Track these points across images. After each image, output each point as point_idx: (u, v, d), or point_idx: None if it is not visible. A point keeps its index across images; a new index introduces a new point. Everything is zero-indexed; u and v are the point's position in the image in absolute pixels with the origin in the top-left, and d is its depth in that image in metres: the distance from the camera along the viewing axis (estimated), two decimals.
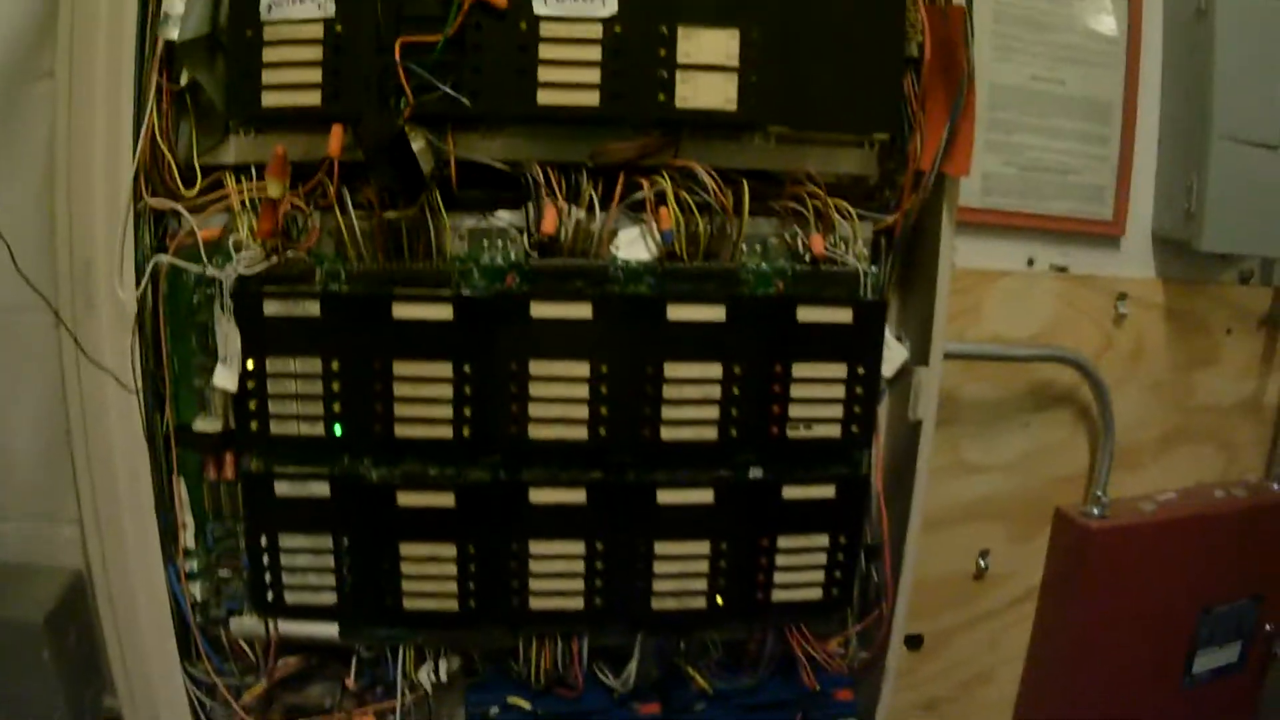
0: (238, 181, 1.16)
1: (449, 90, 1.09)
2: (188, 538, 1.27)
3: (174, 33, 1.11)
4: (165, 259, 1.16)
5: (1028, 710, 1.63)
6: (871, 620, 1.35)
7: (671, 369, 1.20)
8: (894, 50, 1.20)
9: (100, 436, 1.23)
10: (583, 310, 1.18)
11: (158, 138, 1.15)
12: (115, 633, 1.31)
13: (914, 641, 1.56)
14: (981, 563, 1.54)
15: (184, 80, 1.14)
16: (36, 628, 1.35)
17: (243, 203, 1.15)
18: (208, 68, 1.15)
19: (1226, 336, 1.58)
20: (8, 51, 1.29)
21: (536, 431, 1.20)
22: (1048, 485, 1.54)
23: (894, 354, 1.28)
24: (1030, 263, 1.47)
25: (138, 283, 1.16)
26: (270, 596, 1.26)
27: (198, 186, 1.15)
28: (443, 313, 1.17)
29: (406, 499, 1.22)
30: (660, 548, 1.26)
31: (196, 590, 1.29)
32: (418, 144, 1.08)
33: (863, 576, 1.35)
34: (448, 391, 1.18)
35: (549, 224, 1.16)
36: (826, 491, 1.28)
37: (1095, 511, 1.53)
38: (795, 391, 1.23)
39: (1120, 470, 1.55)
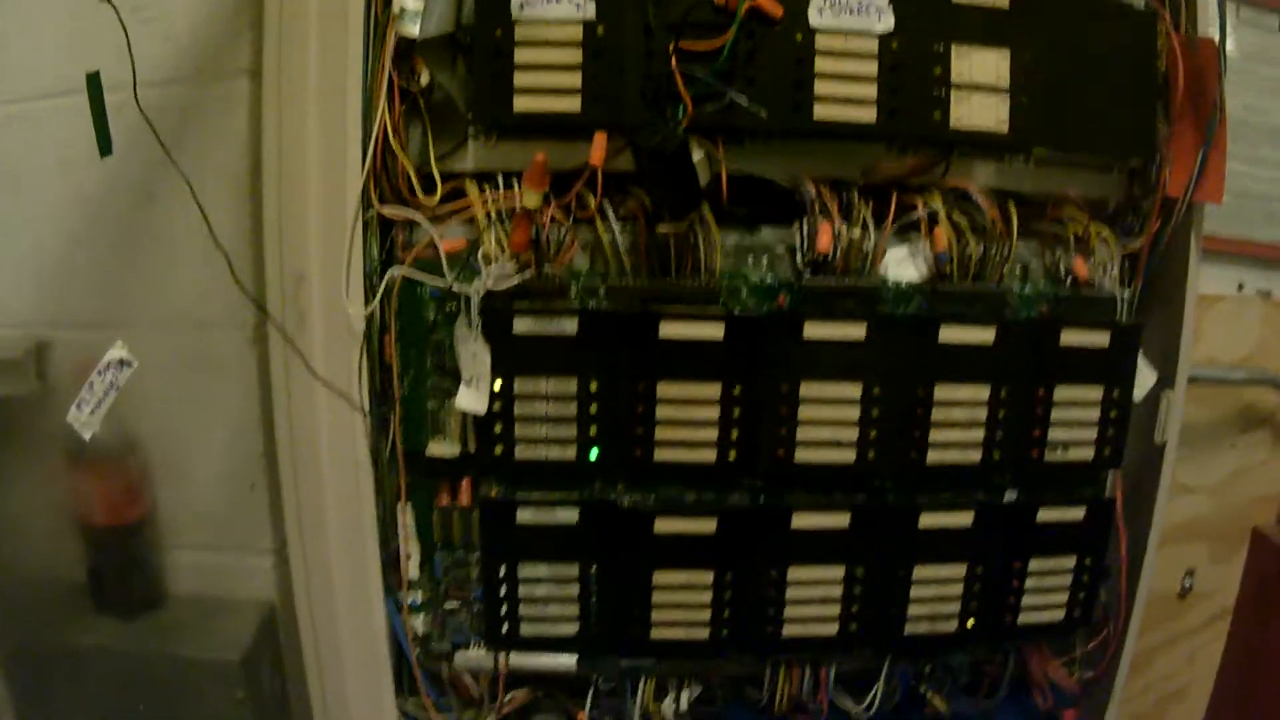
0: (480, 190, 1.15)
1: (742, 100, 1.11)
2: (411, 568, 1.27)
3: (414, 29, 1.10)
4: (402, 271, 1.14)
5: None
6: (1099, 641, 1.41)
7: (941, 391, 1.24)
8: (1148, 77, 1.26)
9: (311, 459, 1.23)
10: (856, 331, 1.21)
11: (391, 141, 1.13)
12: (317, 667, 1.32)
13: None
14: (1186, 583, 1.61)
15: (424, 80, 1.13)
16: (232, 667, 1.34)
17: (488, 214, 1.15)
18: (449, 68, 1.15)
19: None
20: (197, 48, 1.22)
21: (804, 455, 1.23)
22: (1248, 505, 1.65)
23: (1145, 377, 1.33)
24: (1240, 288, 1.54)
25: (366, 296, 1.15)
26: (505, 628, 1.28)
27: (439, 194, 1.15)
28: (713, 332, 1.19)
29: (664, 525, 1.25)
30: (919, 571, 1.31)
31: (419, 623, 1.30)
32: (698, 155, 1.11)
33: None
34: (714, 414, 1.21)
35: (825, 242, 1.19)
36: (1076, 514, 1.33)
37: None
38: (1055, 415, 1.28)
39: None
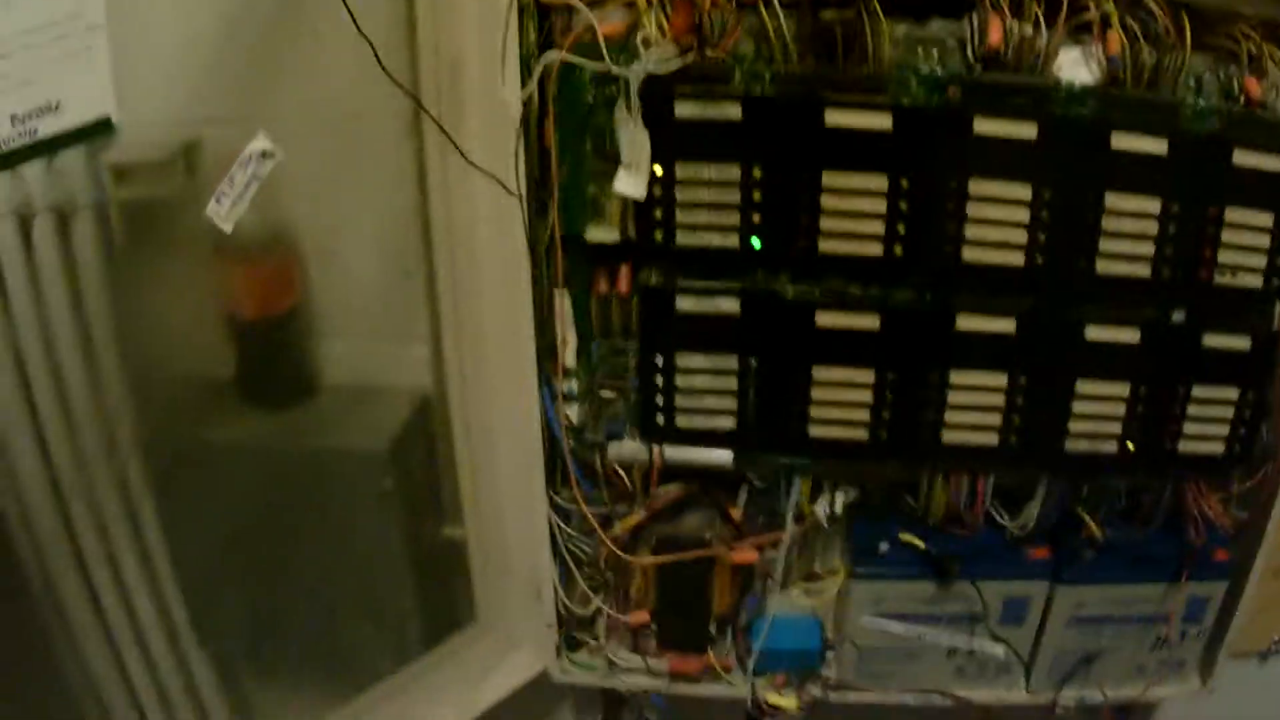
0: None
1: None
2: (568, 355, 1.31)
3: None
4: (559, 55, 1.18)
5: None
6: (1258, 479, 1.41)
7: (1112, 200, 1.25)
8: None
9: (468, 247, 1.29)
10: (1027, 130, 1.22)
11: None
12: (469, 456, 1.40)
13: None
14: None
15: None
16: (380, 457, 1.38)
17: None
18: None
19: None
20: None
21: (971, 254, 1.26)
22: None
23: None
24: None
25: (523, 82, 1.18)
26: (661, 420, 1.32)
27: None
28: (881, 122, 1.21)
29: (826, 319, 1.28)
30: (1082, 386, 1.33)
31: (573, 413, 1.34)
32: None
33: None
34: (880, 206, 1.23)
35: (996, 36, 1.19)
36: (1242, 343, 1.34)
37: None
38: (1228, 236, 1.28)
39: None
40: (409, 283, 1.35)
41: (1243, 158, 1.26)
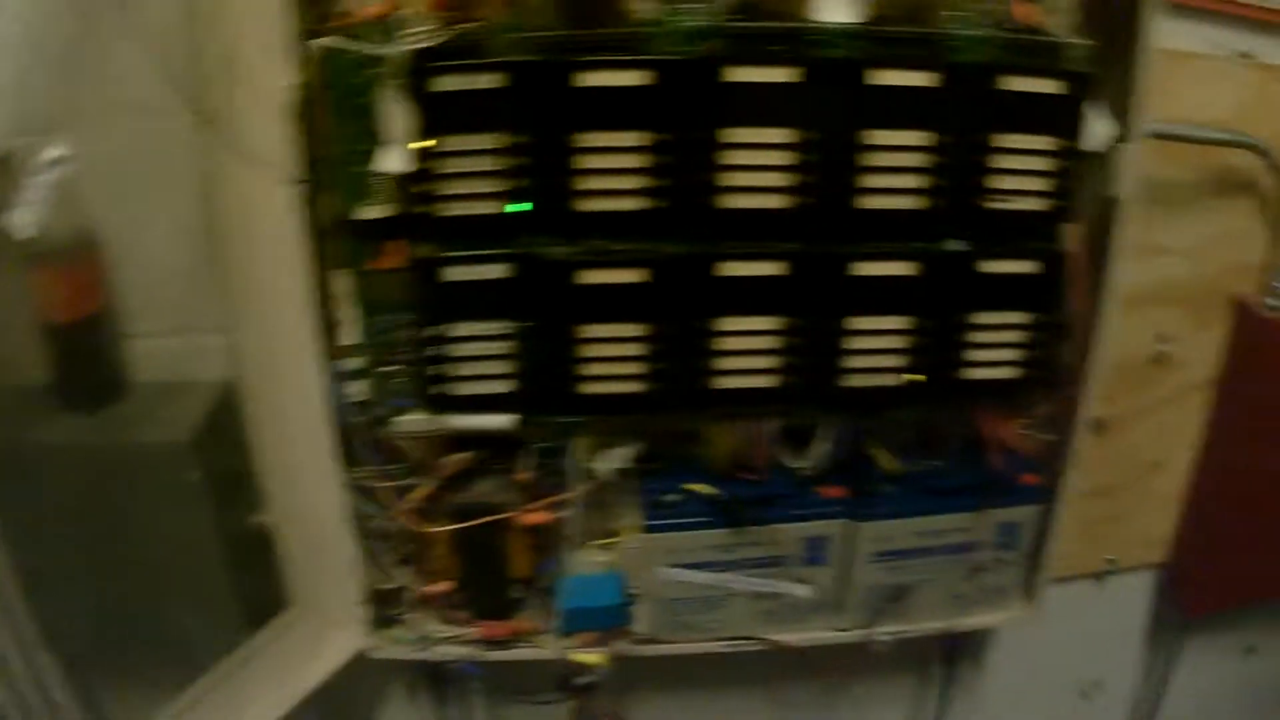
0: None
1: None
2: (350, 333, 1.33)
3: None
4: (324, 41, 1.18)
5: (1198, 501, 1.74)
6: (1059, 402, 1.43)
7: (875, 136, 1.25)
8: None
9: (251, 234, 1.29)
10: (784, 74, 1.22)
11: None
12: (266, 442, 1.40)
13: (1098, 426, 1.65)
14: (1161, 347, 1.61)
15: None
16: (182, 448, 1.37)
17: None
18: None
19: None
20: None
21: (733, 201, 1.26)
22: (1226, 272, 1.66)
23: (1101, 129, 1.33)
24: (1218, 48, 1.54)
25: (294, 68, 1.18)
26: (441, 389, 1.32)
27: None
28: (634, 79, 1.20)
29: (591, 276, 1.28)
30: (857, 322, 1.33)
31: (358, 389, 1.35)
32: None
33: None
34: (639, 161, 1.23)
35: None
36: (1026, 267, 1.34)
37: (1273, 303, 1.61)
38: (1001, 162, 1.29)
39: None
40: (207, 275, 1.35)
41: (1015, 83, 1.26)
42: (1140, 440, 1.71)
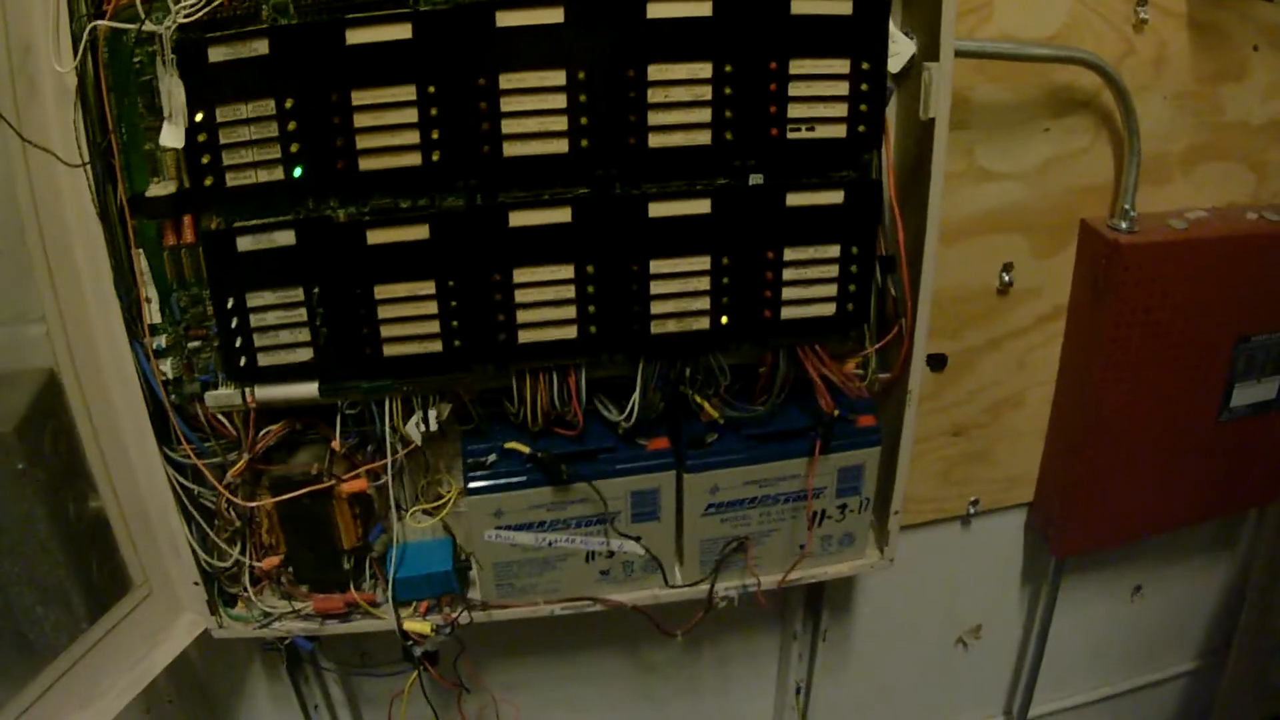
0: None
1: None
2: (152, 312, 1.31)
3: None
4: (103, 24, 1.17)
5: (1060, 437, 1.68)
6: (891, 338, 1.40)
7: (655, 71, 1.21)
8: None
9: (55, 221, 1.27)
10: (552, 15, 1.18)
11: None
12: (90, 427, 1.38)
13: (937, 361, 1.63)
14: (1005, 277, 1.57)
15: None
16: (7, 437, 1.35)
17: None
18: None
19: (1254, 53, 1.60)
20: None
21: (513, 149, 1.22)
22: (1071, 196, 1.59)
23: (901, 49, 1.31)
24: None
25: (76, 53, 1.17)
26: (244, 361, 1.31)
27: None
28: (400, 32, 1.17)
29: (377, 236, 1.25)
30: (656, 265, 1.30)
31: (167, 367, 1.33)
32: None
33: (879, 292, 1.40)
34: (413, 116, 1.20)
35: None
36: (834, 197, 1.30)
37: (1123, 225, 1.57)
38: (794, 89, 1.24)
39: (1146, 185, 1.58)
40: (16, 264, 1.31)
41: (803, 5, 1.22)
42: (992, 375, 1.66)
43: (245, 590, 1.48)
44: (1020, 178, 1.53)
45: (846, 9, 1.22)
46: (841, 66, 1.24)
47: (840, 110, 1.26)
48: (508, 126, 1.21)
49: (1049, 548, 1.82)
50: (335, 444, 1.38)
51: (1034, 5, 1.44)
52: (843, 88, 1.25)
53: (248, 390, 1.33)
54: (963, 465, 1.72)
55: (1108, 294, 1.54)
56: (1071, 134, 1.52)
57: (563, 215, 1.27)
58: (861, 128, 1.27)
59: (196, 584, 1.45)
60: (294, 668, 1.69)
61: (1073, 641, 2.04)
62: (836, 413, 1.41)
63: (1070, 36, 1.46)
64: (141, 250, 1.28)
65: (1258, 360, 1.67)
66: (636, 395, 1.37)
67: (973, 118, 1.46)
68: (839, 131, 1.27)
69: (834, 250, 1.33)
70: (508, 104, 1.20)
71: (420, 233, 1.26)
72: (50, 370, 1.37)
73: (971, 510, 1.79)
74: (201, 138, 1.19)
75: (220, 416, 1.37)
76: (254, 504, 1.39)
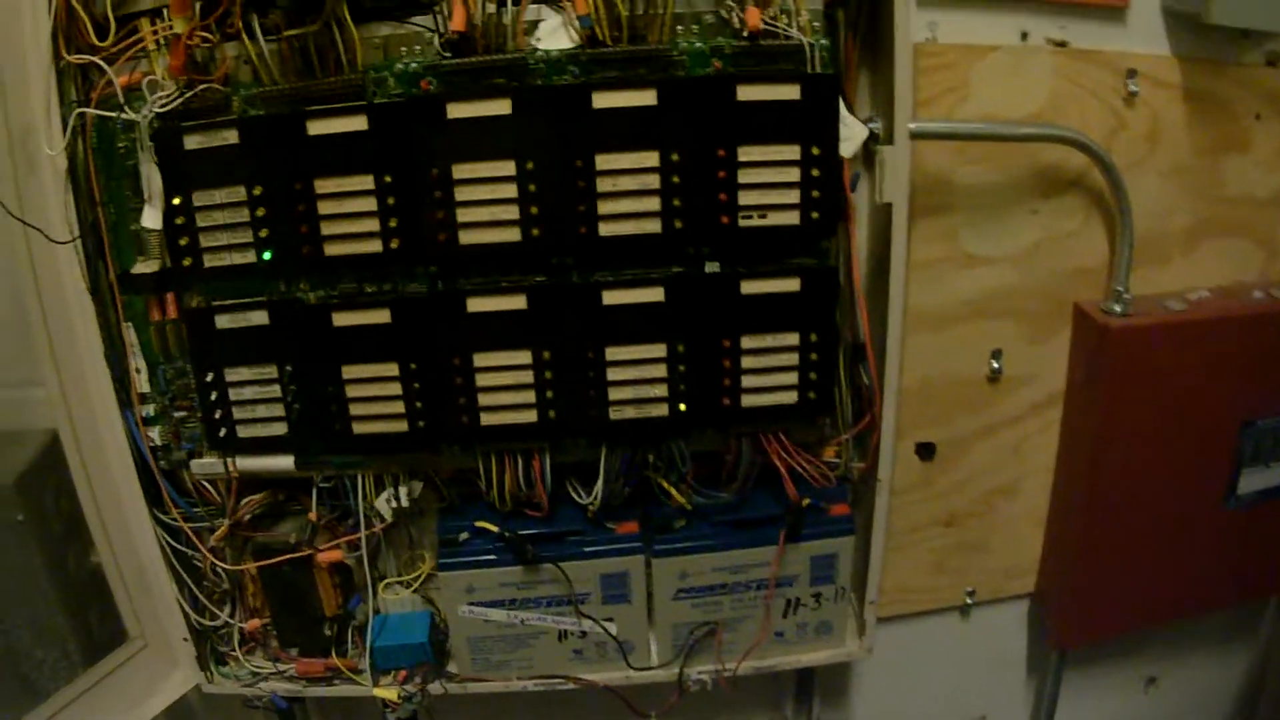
0: (152, 24, 1.24)
1: None
2: (141, 382, 1.38)
3: None
4: (89, 111, 1.25)
5: (1059, 526, 1.62)
6: (864, 426, 1.38)
7: (603, 160, 1.23)
8: None
9: (52, 294, 1.36)
10: (501, 106, 1.22)
11: None
12: (88, 486, 1.45)
13: (926, 450, 1.59)
14: (995, 364, 1.53)
15: None
16: (7, 491, 1.46)
17: (157, 43, 1.23)
18: None
19: (1256, 122, 1.51)
20: None
21: (468, 237, 1.25)
22: (1064, 279, 1.53)
23: (853, 132, 1.29)
24: (1024, 36, 1.43)
25: (64, 137, 1.26)
26: (224, 432, 1.36)
27: (111, 36, 1.23)
28: (357, 124, 1.22)
29: (343, 318, 1.30)
30: (612, 352, 1.31)
31: (155, 434, 1.40)
32: None
33: (853, 380, 1.39)
34: (371, 204, 1.25)
35: (457, 20, 1.20)
36: (791, 285, 1.30)
37: (1116, 308, 1.50)
38: (744, 177, 1.25)
39: (1145, 265, 1.52)
40: (20, 332, 1.42)
41: (749, 92, 1.23)
42: (985, 464, 1.60)
43: (235, 650, 1.53)
44: (1009, 261, 1.48)
45: (794, 94, 1.23)
46: (792, 152, 1.24)
47: (793, 197, 1.26)
48: (463, 215, 1.24)
49: (1049, 639, 1.75)
50: (312, 515, 1.43)
51: (1015, 82, 1.41)
52: (794, 174, 1.25)
53: (229, 460, 1.39)
54: (957, 555, 1.67)
55: (1101, 379, 1.49)
56: (1062, 215, 1.47)
57: (518, 302, 1.29)
58: (815, 214, 1.26)
59: (186, 640, 1.50)
60: None
61: None
62: (806, 501, 1.39)
63: (1056, 113, 1.42)
64: (130, 324, 1.35)
65: (1266, 445, 1.58)
66: (600, 480, 1.38)
67: (956, 201, 1.42)
68: (793, 218, 1.27)
69: (793, 338, 1.31)
70: (461, 193, 1.23)
71: (382, 316, 1.29)
72: (53, 431, 1.45)
73: (969, 600, 1.73)
74: (180, 220, 1.26)
75: (206, 483, 1.43)
76: (238, 568, 1.45)
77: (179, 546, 1.45)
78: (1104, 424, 1.51)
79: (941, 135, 1.36)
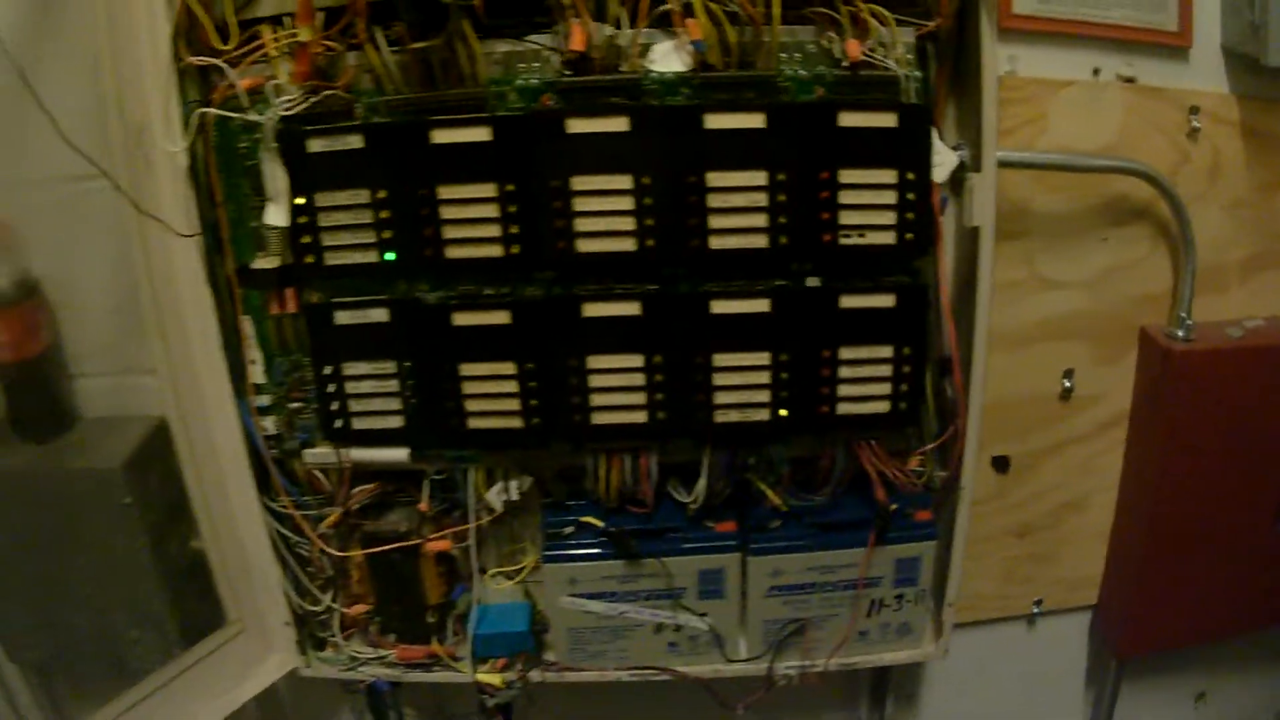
0: (274, 31, 1.31)
1: None
2: (257, 373, 1.45)
3: None
4: (211, 111, 1.33)
5: (1122, 540, 1.71)
6: (948, 436, 1.45)
7: (714, 178, 1.30)
8: None
9: (167, 285, 1.42)
10: (619, 123, 1.29)
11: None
12: (196, 473, 1.51)
13: (1001, 463, 1.66)
14: (1066, 383, 1.61)
15: None
16: (115, 474, 1.50)
17: (279, 50, 1.30)
18: None
19: None
20: None
21: (585, 245, 1.33)
22: (1131, 304, 1.61)
23: (945, 159, 1.36)
24: (1096, 72, 1.53)
25: (186, 136, 1.33)
26: (339, 424, 1.43)
27: (234, 39, 1.30)
28: (481, 134, 1.30)
29: (462, 319, 1.37)
30: (719, 359, 1.38)
31: (269, 424, 1.47)
32: None
33: (939, 393, 1.45)
34: (493, 211, 1.32)
35: (577, 41, 1.27)
36: (886, 300, 1.37)
37: (1179, 334, 1.58)
38: (844, 198, 1.32)
39: (1205, 294, 1.60)
40: (137, 320, 1.48)
41: (850, 119, 1.30)
42: (1054, 479, 1.68)
43: (334, 635, 1.60)
44: (1080, 286, 1.57)
45: (891, 122, 1.30)
46: (889, 176, 1.31)
47: (889, 218, 1.33)
48: (580, 225, 1.31)
49: (1110, 649, 1.82)
50: (423, 506, 1.49)
51: (1088, 116, 1.49)
52: (891, 196, 1.32)
53: (342, 451, 1.46)
54: (1027, 565, 1.75)
55: (1164, 400, 1.56)
56: (1129, 243, 1.56)
57: (632, 309, 1.36)
58: (909, 235, 1.33)
59: (287, 624, 1.56)
60: (377, 715, 1.78)
61: None
62: (894, 506, 1.46)
63: (1125, 146, 1.50)
64: (248, 317, 1.43)
65: None
66: (703, 479, 1.45)
67: (1033, 227, 1.51)
68: (889, 238, 1.33)
69: (887, 351, 1.38)
70: (579, 204, 1.30)
71: (502, 317, 1.36)
72: (160, 418, 1.51)
73: (1036, 610, 1.80)
74: (303, 219, 1.33)
75: (317, 473, 1.50)
76: (346, 554, 1.52)
77: (286, 533, 1.52)
78: (1166, 444, 1.58)
79: (1024, 164, 1.44)
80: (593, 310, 1.36)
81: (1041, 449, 1.66)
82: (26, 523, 1.50)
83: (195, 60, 1.30)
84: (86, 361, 1.53)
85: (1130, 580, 1.71)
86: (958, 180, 1.40)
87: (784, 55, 1.31)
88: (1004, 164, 1.39)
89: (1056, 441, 1.65)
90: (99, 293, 1.49)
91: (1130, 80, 1.51)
